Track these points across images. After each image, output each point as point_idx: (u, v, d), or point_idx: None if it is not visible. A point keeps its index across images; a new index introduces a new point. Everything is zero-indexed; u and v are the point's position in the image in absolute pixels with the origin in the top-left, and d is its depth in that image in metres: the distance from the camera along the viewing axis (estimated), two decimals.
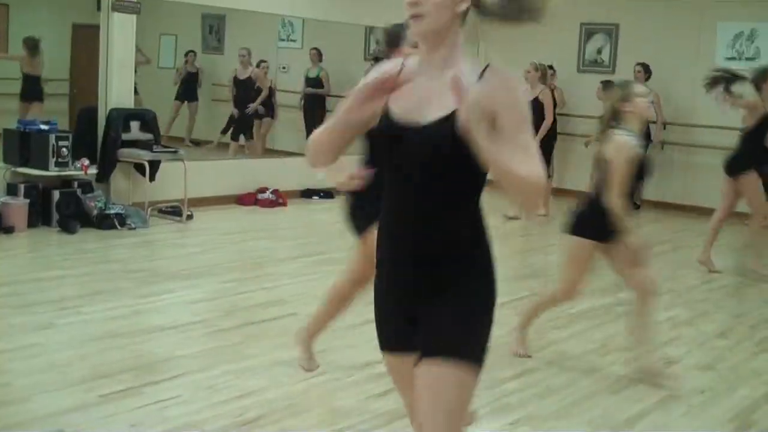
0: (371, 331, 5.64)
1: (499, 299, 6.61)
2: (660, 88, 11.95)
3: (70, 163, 8.42)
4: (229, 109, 12.68)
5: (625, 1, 12.16)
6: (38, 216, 8.23)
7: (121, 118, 8.91)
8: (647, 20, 12.10)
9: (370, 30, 13.10)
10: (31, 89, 10.68)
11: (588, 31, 12.57)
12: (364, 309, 6.13)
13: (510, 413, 4.37)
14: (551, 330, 5.93)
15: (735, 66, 11.35)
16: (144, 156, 8.86)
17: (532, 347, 5.51)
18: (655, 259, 8.63)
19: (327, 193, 11.32)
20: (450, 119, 2.33)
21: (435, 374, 2.44)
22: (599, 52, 12.47)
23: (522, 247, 9.43)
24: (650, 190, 12.04)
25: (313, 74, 12.52)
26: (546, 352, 5.42)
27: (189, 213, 9.05)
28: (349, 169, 3.54)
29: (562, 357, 5.34)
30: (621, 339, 5.81)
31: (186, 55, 13.68)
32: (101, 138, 8.93)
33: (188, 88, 13.40)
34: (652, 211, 11.73)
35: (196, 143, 13.02)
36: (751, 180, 7.94)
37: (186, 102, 13.31)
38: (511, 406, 4.47)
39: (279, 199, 10.49)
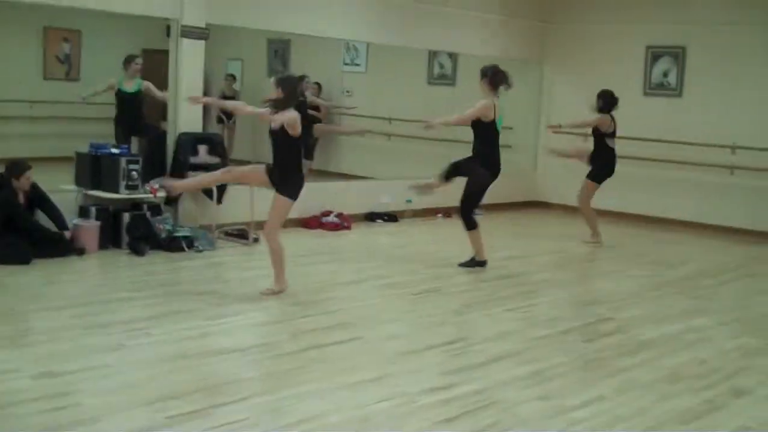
0: (436, 356, 5.68)
1: (567, 325, 6.61)
2: (729, 112, 11.77)
3: (140, 186, 8.57)
4: None
5: (692, 24, 12.01)
6: (109, 238, 8.38)
7: (189, 141, 9.06)
8: (715, 44, 11.93)
9: (433, 54, 13.15)
10: None
11: (654, 54, 12.43)
12: (427, 336, 6.16)
13: None
14: (619, 357, 5.84)
15: None
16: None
17: (600, 374, 5.45)
18: (724, 286, 8.52)
19: (391, 217, 11.35)
20: None
21: None
22: (665, 75, 12.33)
23: (587, 272, 9.34)
24: (716, 215, 11.85)
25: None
26: (614, 380, 5.34)
27: (255, 236, 9.13)
28: None
29: (631, 385, 5.26)
30: (691, 367, 5.71)
31: (225, 78, 13.88)
32: (170, 161, 9.08)
33: (226, 110, 13.56)
34: (719, 237, 11.52)
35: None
36: None
37: (225, 123, 13.47)
38: None
39: (343, 223, 10.54)
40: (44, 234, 7.85)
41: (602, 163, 10.22)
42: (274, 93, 6.92)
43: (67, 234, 8.03)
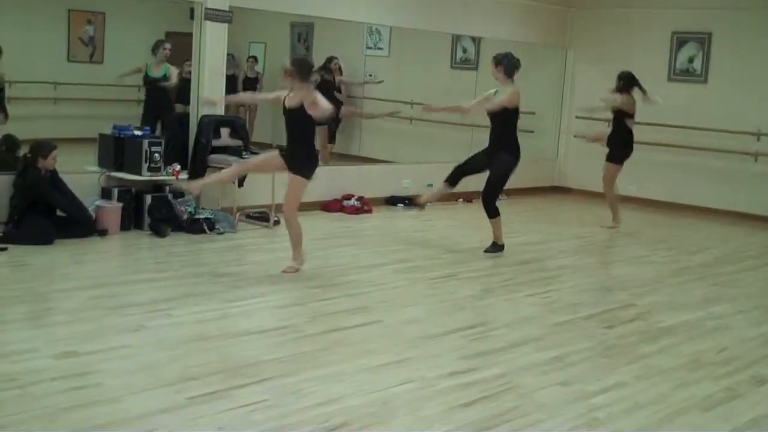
0: (455, 340, 5.67)
1: (587, 310, 6.58)
2: (754, 98, 11.65)
3: (162, 168, 8.59)
4: None
5: (718, 9, 11.90)
6: (131, 219, 8.42)
7: (211, 124, 9.07)
8: (741, 29, 11.81)
9: (456, 38, 13.10)
10: None
11: (679, 40, 12.32)
12: (446, 320, 6.15)
13: (597, 428, 4.30)
14: (640, 344, 5.82)
15: None
16: (233, 162, 8.99)
17: (620, 361, 5.43)
18: (745, 274, 8.46)
19: (412, 201, 11.33)
20: None
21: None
22: (691, 61, 12.22)
23: (608, 258, 9.29)
24: (739, 202, 11.77)
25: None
26: (635, 366, 5.32)
27: (276, 219, 9.15)
28: None
29: (651, 372, 5.24)
30: (712, 354, 5.68)
31: (247, 60, 13.94)
32: (192, 144, 9.10)
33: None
34: (742, 224, 11.44)
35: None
36: None
37: (246, 108, 13.59)
38: (599, 420, 4.40)
39: (364, 206, 10.55)
40: (70, 212, 7.88)
41: (622, 143, 10.22)
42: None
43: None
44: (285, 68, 6.97)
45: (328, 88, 12.97)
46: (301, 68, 6.96)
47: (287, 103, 6.98)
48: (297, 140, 7.05)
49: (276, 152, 7.29)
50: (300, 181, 7.04)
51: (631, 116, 10.14)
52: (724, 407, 4.73)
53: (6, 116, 9.66)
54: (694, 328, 6.32)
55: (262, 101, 7.40)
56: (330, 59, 12.68)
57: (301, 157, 7.05)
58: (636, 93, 10.03)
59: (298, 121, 6.97)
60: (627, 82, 10.02)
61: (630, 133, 10.20)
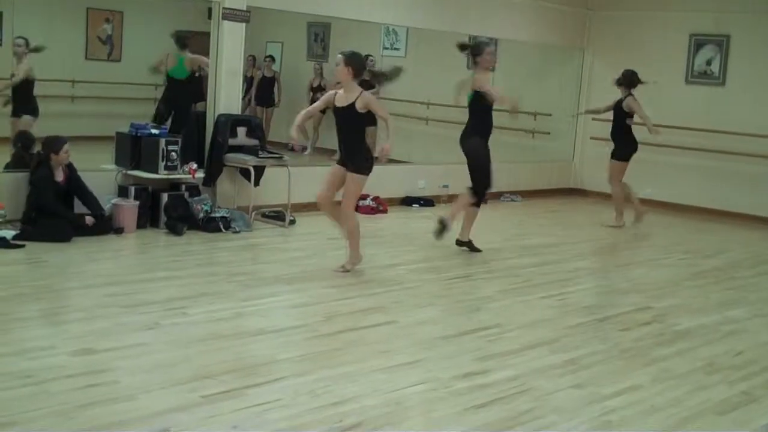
0: (470, 342, 5.66)
1: (602, 313, 6.53)
2: None
3: (179, 166, 8.62)
4: None
5: (737, 12, 11.83)
6: (147, 217, 8.45)
7: (228, 123, 9.09)
8: (760, 32, 11.74)
9: (473, 39, 13.07)
10: None
11: (697, 42, 12.26)
12: (461, 321, 6.15)
13: (612, 431, 4.29)
14: (656, 347, 5.80)
15: None
16: (250, 161, 9.01)
17: (635, 364, 5.41)
18: (762, 278, 8.42)
19: (427, 201, 11.33)
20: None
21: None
22: (709, 63, 12.16)
23: (623, 260, 9.25)
24: (756, 206, 11.70)
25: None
26: (651, 369, 5.29)
27: (292, 218, 9.16)
28: None
29: (667, 375, 5.21)
30: (728, 358, 5.65)
31: (264, 60, 13.97)
32: (209, 143, 9.12)
33: (266, 93, 13.75)
34: (759, 228, 11.37)
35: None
36: None
37: (264, 107, 13.63)
38: (613, 423, 4.38)
39: (379, 206, 10.54)
40: (68, 217, 7.83)
41: (626, 140, 10.32)
42: (344, 71, 6.99)
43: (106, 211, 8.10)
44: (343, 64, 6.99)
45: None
46: (356, 65, 7.02)
47: (339, 103, 7.05)
48: (352, 139, 7.14)
49: (334, 164, 7.34)
50: (355, 179, 7.18)
51: (631, 116, 10.22)
52: (740, 411, 4.70)
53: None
54: (711, 331, 6.29)
55: (318, 109, 7.27)
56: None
57: (358, 155, 7.14)
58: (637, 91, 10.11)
59: (350, 119, 7.05)
60: (628, 82, 10.14)
61: (629, 131, 10.29)
